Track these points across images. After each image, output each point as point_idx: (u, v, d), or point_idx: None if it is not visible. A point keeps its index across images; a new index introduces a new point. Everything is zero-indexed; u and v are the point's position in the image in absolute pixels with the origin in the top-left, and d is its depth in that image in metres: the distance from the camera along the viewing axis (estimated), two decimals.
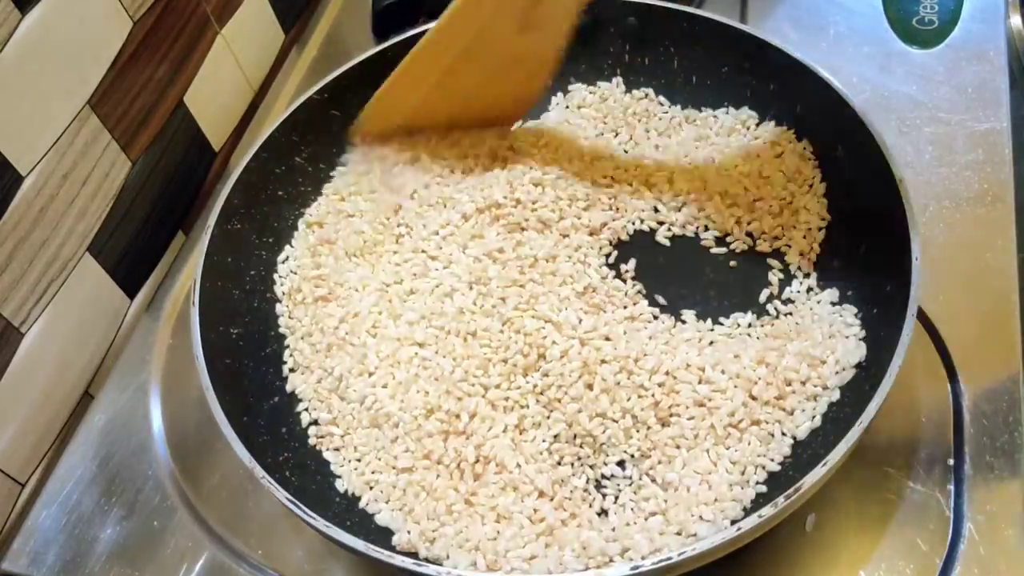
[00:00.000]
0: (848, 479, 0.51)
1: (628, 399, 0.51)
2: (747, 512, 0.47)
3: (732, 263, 0.59)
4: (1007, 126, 0.66)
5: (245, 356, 0.56)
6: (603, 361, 0.52)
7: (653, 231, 0.62)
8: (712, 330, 0.56)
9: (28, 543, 0.56)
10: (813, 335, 0.53)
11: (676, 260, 0.60)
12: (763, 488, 0.48)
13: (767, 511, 0.43)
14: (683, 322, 0.56)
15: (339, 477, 0.52)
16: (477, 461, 0.51)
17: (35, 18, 0.56)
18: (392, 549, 0.47)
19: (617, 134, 0.67)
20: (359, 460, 0.52)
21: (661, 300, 0.58)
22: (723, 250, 0.60)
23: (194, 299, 0.54)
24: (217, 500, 0.56)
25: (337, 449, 0.53)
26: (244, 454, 0.47)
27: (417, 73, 0.61)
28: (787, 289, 0.58)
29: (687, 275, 0.59)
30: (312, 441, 0.54)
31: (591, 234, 0.61)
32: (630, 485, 0.50)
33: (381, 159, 0.64)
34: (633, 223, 0.62)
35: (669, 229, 0.62)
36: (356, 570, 0.53)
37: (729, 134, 0.65)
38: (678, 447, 0.50)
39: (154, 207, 0.69)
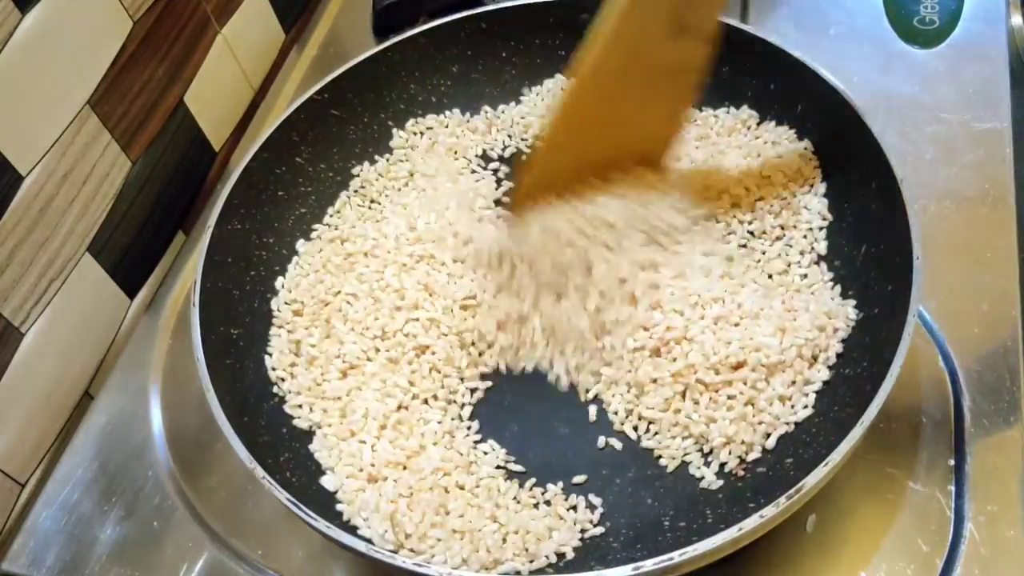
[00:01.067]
0: (849, 479, 0.51)
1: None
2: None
3: None
4: (1008, 126, 0.66)
5: (245, 356, 0.56)
6: None
7: None
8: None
9: (28, 543, 0.56)
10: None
11: None
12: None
13: (768, 511, 0.43)
14: None
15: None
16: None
17: (35, 18, 0.56)
18: (395, 550, 0.47)
19: None
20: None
21: None
22: None
23: (194, 299, 0.54)
24: (217, 500, 0.56)
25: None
26: (244, 454, 0.47)
27: (577, 109, 0.55)
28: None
29: None
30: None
31: None
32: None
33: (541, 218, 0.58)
34: None
35: None
36: (356, 570, 0.53)
37: (729, 134, 0.65)
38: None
39: (154, 207, 0.69)
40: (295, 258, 0.62)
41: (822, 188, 0.61)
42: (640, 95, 0.57)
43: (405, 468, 0.51)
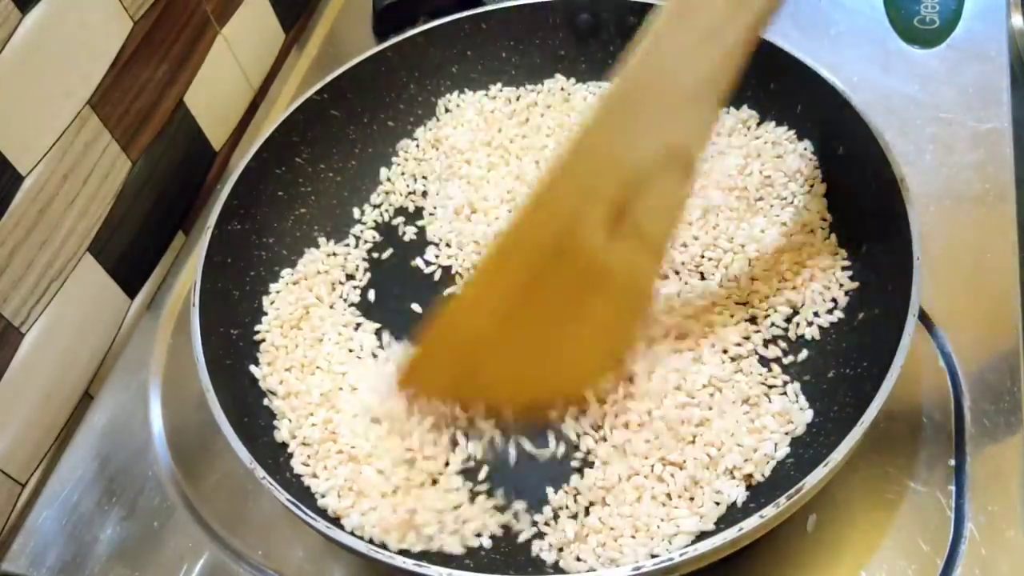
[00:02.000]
0: (849, 479, 0.51)
1: None
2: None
3: None
4: (1008, 126, 0.66)
5: (245, 356, 0.56)
6: None
7: None
8: None
9: (28, 543, 0.56)
10: None
11: None
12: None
13: (768, 511, 0.43)
14: None
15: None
16: None
17: (35, 18, 0.55)
18: (394, 551, 0.47)
19: None
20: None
21: None
22: None
23: (194, 299, 0.54)
24: (217, 500, 0.56)
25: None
26: (244, 455, 0.47)
27: (478, 299, 0.41)
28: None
29: None
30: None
31: None
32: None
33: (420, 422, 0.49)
34: None
35: None
36: (356, 570, 0.53)
37: (729, 134, 0.65)
38: None
39: (154, 207, 0.69)
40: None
41: (822, 188, 0.60)
42: (560, 309, 0.42)
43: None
